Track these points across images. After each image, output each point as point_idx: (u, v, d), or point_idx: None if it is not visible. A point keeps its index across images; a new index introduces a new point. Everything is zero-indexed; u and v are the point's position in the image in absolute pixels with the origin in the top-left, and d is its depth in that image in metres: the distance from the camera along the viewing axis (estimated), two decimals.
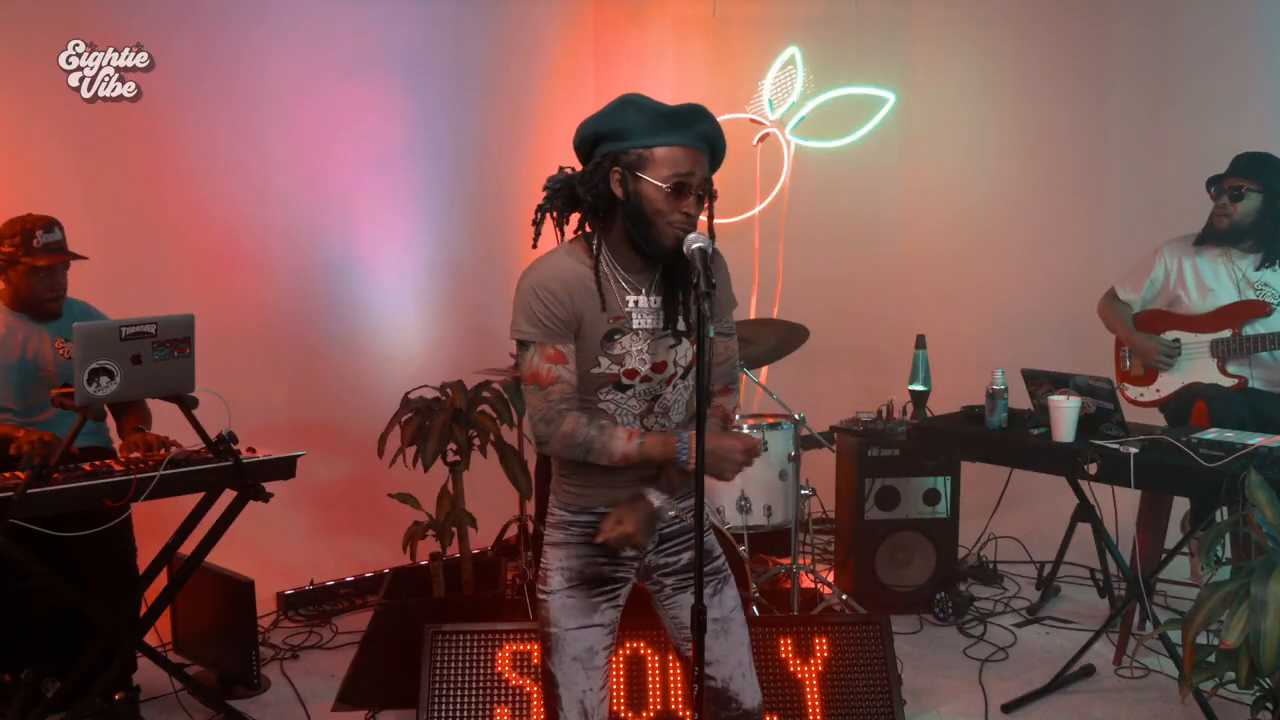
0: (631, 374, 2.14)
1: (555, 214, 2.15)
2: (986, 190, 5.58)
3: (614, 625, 2.26)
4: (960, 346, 5.06)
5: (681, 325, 2.17)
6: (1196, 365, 3.90)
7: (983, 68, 5.56)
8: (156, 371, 2.86)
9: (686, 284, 2.13)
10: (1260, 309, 3.77)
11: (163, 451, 3.11)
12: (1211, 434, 3.16)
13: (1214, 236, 3.84)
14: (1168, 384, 3.97)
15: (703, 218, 2.12)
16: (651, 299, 2.15)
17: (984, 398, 3.52)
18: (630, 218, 2.08)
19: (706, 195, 2.09)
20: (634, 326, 2.13)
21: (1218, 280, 3.85)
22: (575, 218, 2.17)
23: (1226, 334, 3.83)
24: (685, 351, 2.18)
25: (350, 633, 4.11)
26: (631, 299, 2.13)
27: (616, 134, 2.07)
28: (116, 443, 3.49)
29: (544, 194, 2.15)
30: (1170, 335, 3.96)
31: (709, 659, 2.22)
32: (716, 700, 2.27)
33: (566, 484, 2.25)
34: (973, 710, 3.48)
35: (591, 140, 2.11)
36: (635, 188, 2.06)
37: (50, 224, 3.27)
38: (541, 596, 2.23)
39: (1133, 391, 4.08)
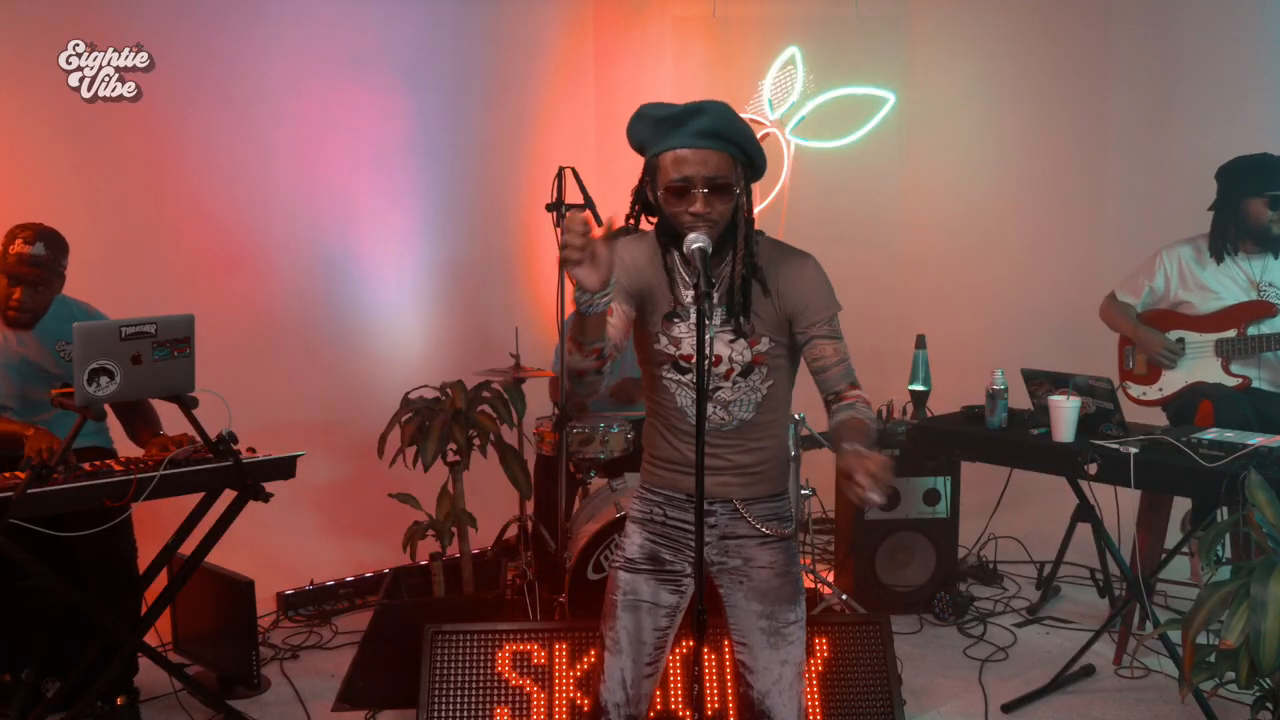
0: (688, 358, 2.18)
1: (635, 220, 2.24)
2: (986, 190, 5.58)
3: (673, 610, 2.27)
4: (960, 346, 5.06)
5: (743, 324, 2.17)
6: (1200, 364, 3.90)
7: (983, 68, 5.56)
8: (156, 371, 2.86)
9: (747, 282, 2.15)
10: (1266, 309, 3.77)
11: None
12: (1211, 434, 3.16)
13: (1271, 243, 3.79)
14: (1171, 383, 3.97)
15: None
16: (712, 294, 2.16)
17: (984, 398, 3.52)
18: (662, 222, 2.17)
19: (719, 191, 2.07)
20: (691, 318, 2.16)
21: (1221, 284, 3.84)
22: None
23: (1231, 334, 3.83)
24: (743, 349, 2.18)
25: (350, 633, 4.11)
26: (689, 294, 2.16)
27: (638, 148, 2.16)
28: (117, 443, 3.49)
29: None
30: (1175, 335, 3.96)
31: (751, 666, 2.24)
32: (750, 711, 2.25)
33: (646, 463, 2.33)
34: (973, 710, 3.48)
35: (638, 150, 2.19)
36: (655, 196, 2.13)
37: (36, 236, 3.21)
38: (613, 563, 2.31)
39: (1136, 390, 4.08)
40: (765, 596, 2.23)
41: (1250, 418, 3.67)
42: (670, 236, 2.16)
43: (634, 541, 2.28)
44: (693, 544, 2.23)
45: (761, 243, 2.20)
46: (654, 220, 2.22)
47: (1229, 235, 3.84)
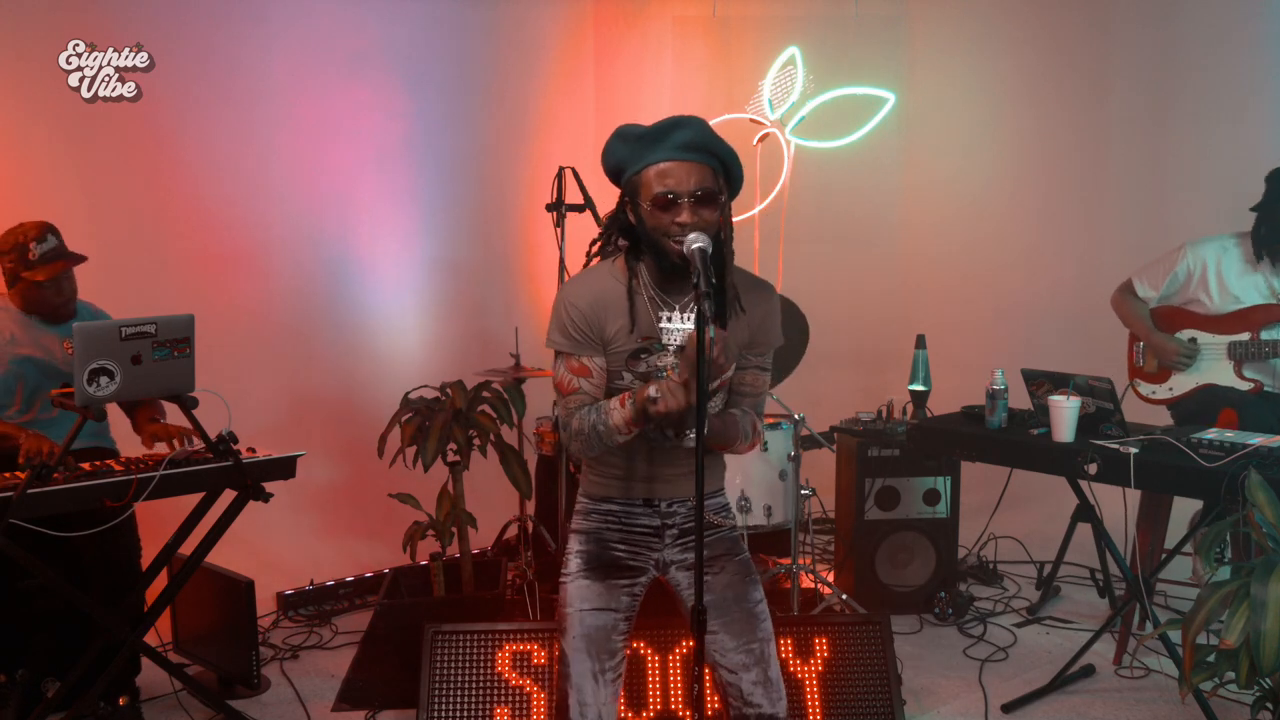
0: None
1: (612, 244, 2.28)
2: (986, 190, 5.58)
3: (630, 613, 2.29)
4: (960, 346, 5.06)
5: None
6: (1213, 366, 3.87)
7: (983, 68, 5.57)
8: (156, 371, 2.86)
9: (722, 303, 2.17)
10: None
11: (178, 442, 3.13)
12: (1211, 434, 3.16)
13: None
14: (1181, 383, 3.94)
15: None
16: (685, 316, 2.20)
17: (984, 398, 3.52)
18: (644, 241, 2.18)
19: (705, 201, 2.10)
20: (666, 344, 2.19)
21: (1243, 287, 3.80)
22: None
23: (1245, 337, 3.80)
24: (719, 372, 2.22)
25: (350, 633, 4.11)
26: (665, 314, 2.20)
27: (616, 168, 2.18)
28: (118, 442, 3.49)
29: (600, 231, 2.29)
30: (1187, 334, 3.93)
31: (731, 653, 2.25)
32: (739, 699, 2.26)
33: (589, 474, 2.35)
34: (973, 710, 3.48)
35: (613, 177, 2.20)
36: (638, 213, 2.14)
37: (44, 232, 3.24)
38: (562, 579, 2.31)
39: (1145, 389, 4.05)
40: (733, 583, 2.27)
41: (1275, 426, 3.61)
42: (654, 255, 2.16)
43: (581, 552, 2.29)
44: (654, 545, 2.30)
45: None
46: (624, 245, 2.25)
47: (1267, 240, 3.76)
